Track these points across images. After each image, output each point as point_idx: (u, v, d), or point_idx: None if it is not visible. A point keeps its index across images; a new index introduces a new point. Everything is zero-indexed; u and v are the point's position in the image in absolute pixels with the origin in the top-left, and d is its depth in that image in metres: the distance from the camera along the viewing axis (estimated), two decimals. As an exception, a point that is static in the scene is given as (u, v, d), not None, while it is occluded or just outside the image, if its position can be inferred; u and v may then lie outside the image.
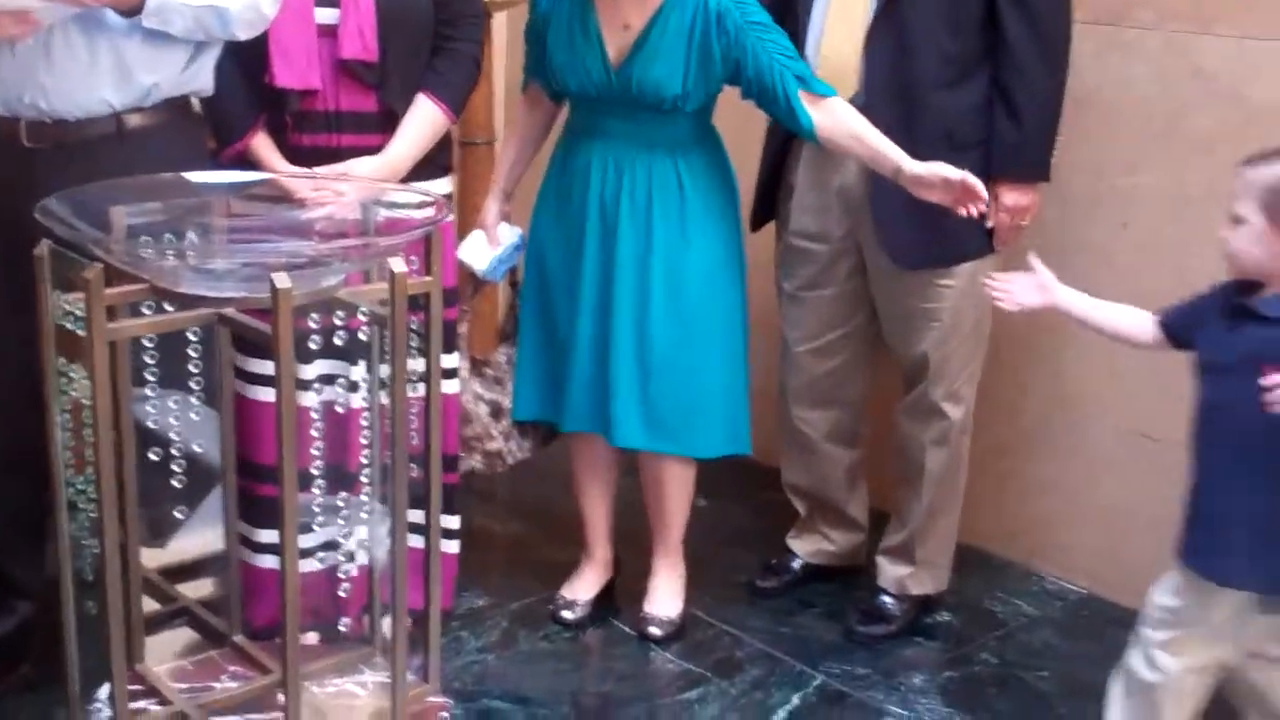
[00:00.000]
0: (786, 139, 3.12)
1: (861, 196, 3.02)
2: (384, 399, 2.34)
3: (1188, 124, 3.15)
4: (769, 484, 3.54)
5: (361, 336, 2.38)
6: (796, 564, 3.43)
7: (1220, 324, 2.41)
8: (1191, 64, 3.13)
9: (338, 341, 2.24)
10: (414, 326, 2.27)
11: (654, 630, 3.14)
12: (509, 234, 3.03)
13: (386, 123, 2.77)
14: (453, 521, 3.03)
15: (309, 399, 2.55)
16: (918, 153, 2.86)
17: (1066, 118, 3.00)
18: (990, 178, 2.95)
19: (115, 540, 2.09)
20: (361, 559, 2.58)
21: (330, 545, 2.89)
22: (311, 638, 2.95)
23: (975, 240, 3.03)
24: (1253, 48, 3.04)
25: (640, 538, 3.31)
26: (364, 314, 2.19)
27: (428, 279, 2.23)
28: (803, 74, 2.81)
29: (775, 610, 3.29)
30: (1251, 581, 2.36)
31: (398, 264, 2.09)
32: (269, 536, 2.82)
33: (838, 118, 2.80)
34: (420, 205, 2.40)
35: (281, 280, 1.96)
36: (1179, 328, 2.52)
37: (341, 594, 2.63)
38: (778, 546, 3.45)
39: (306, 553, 2.89)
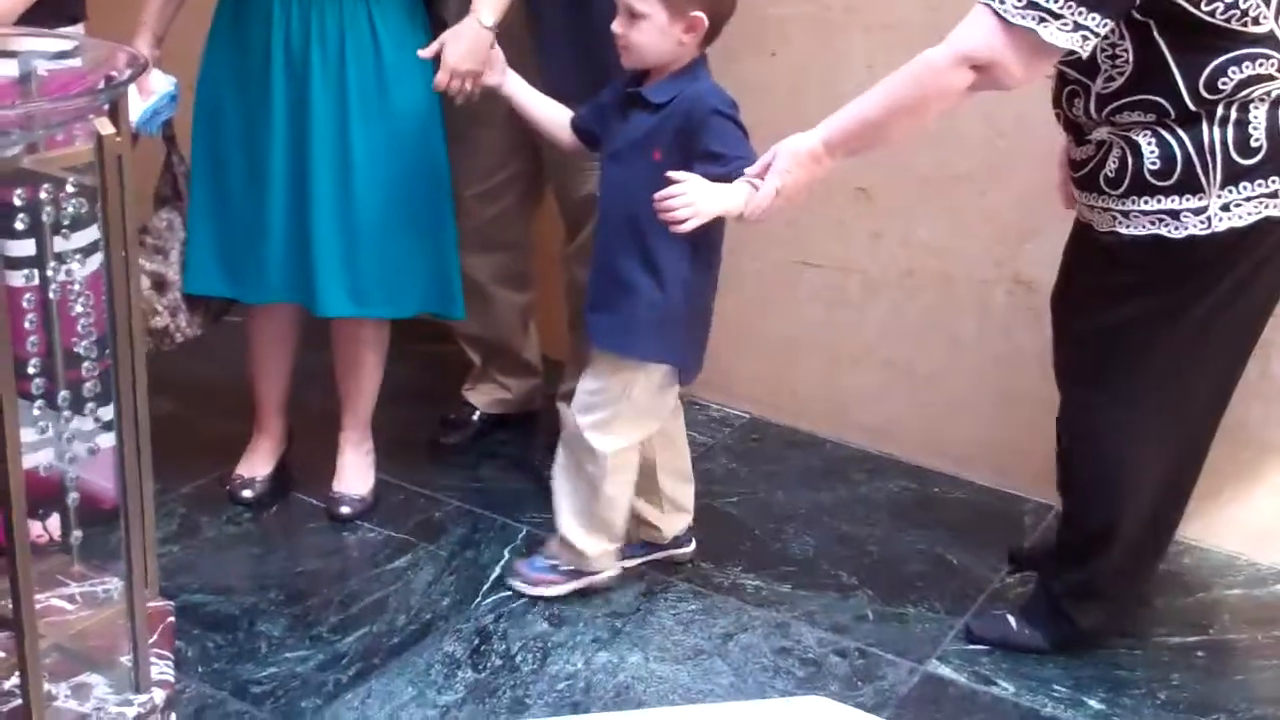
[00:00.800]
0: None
1: (522, 38, 2.90)
2: (66, 276, 2.06)
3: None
4: (431, 337, 3.43)
5: (16, 201, 2.07)
6: (475, 416, 3.36)
7: (616, 114, 2.58)
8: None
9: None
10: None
11: (344, 509, 2.99)
12: (162, 81, 2.72)
13: None
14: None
15: None
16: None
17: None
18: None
19: None
20: (43, 459, 2.30)
21: None
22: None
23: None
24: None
25: (310, 406, 3.15)
26: (69, 184, 1.90)
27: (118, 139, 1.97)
28: None
29: (462, 466, 3.22)
30: (595, 334, 2.63)
31: (104, 125, 1.83)
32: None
33: None
34: (69, 54, 2.12)
35: (-24, 152, 1.68)
36: (585, 130, 2.68)
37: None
38: (452, 401, 3.36)
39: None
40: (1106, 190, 2.37)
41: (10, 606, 1.93)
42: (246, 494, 3.02)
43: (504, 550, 2.91)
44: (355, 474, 3.03)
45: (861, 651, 2.67)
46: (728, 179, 2.43)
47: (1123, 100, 2.31)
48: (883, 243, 3.28)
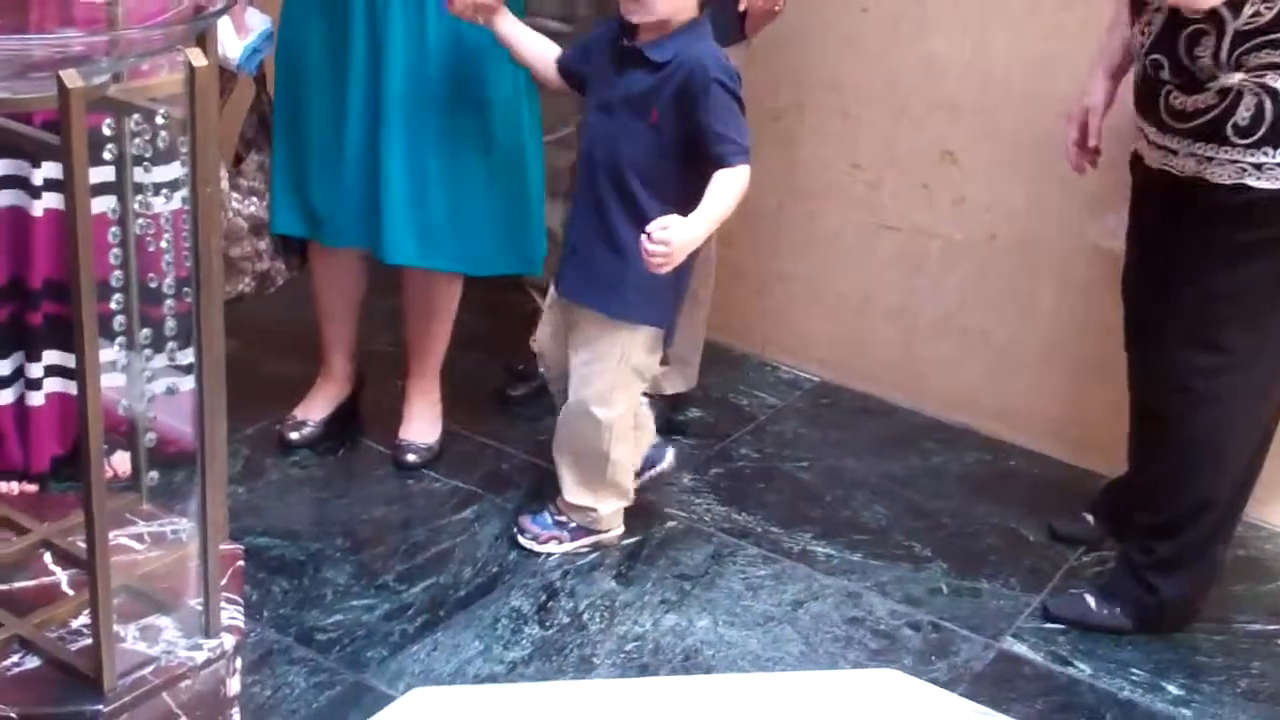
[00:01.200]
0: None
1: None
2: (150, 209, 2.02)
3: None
4: (499, 284, 3.37)
5: (106, 130, 2.02)
6: (542, 369, 3.29)
7: (610, 67, 2.51)
8: None
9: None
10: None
11: (410, 457, 2.95)
12: (258, 19, 2.67)
13: None
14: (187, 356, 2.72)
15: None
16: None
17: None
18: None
19: None
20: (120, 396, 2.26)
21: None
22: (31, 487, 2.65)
23: (727, 26, 2.92)
24: None
25: (383, 352, 3.10)
26: (160, 115, 1.85)
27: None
28: None
29: (529, 418, 3.17)
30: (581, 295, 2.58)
31: (196, 55, 1.77)
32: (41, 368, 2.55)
33: None
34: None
35: (72, 79, 1.62)
36: (572, 72, 2.61)
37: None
38: (520, 350, 3.30)
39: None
40: (1235, 141, 2.26)
41: (82, 545, 1.91)
42: (294, 436, 2.98)
43: (571, 506, 2.87)
44: (422, 423, 2.99)
45: (935, 625, 2.61)
46: (721, 160, 2.40)
47: (1265, 38, 2.19)
48: (965, 208, 3.19)
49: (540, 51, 2.62)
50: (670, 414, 3.22)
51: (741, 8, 2.89)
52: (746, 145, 2.43)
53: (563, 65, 2.60)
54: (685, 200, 2.44)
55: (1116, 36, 2.56)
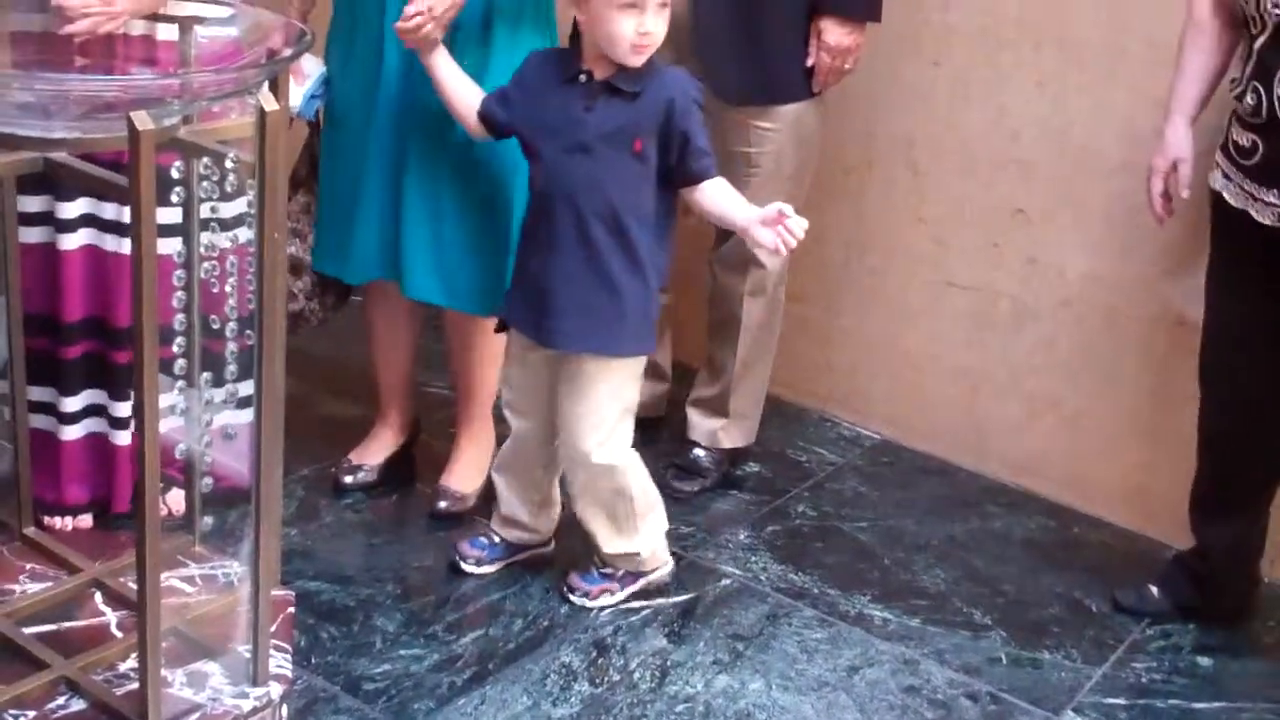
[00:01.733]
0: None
1: (685, 29, 2.81)
2: (225, 246, 2.01)
3: (1005, -37, 3.07)
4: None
5: (174, 174, 2.02)
6: (600, 418, 3.27)
7: (571, 106, 2.43)
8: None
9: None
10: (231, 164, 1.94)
11: (442, 504, 2.90)
12: (313, 64, 2.67)
13: None
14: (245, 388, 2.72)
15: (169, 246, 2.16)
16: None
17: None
18: (816, 12, 2.82)
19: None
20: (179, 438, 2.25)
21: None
22: (85, 520, 2.64)
23: (798, 82, 2.90)
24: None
25: (441, 397, 3.08)
26: (229, 159, 1.84)
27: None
28: None
29: (585, 468, 3.13)
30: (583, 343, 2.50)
31: (268, 100, 1.76)
32: (77, 404, 2.53)
33: None
34: (226, 22, 2.07)
35: (143, 121, 1.62)
36: (495, 120, 2.51)
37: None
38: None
39: (123, 422, 2.56)
40: None
41: (134, 585, 1.89)
42: (348, 479, 2.96)
43: (625, 560, 2.83)
44: (464, 469, 2.94)
45: (994, 696, 2.54)
46: (705, 172, 2.44)
47: None
48: (1037, 268, 3.14)
49: (464, 95, 2.52)
50: (729, 468, 3.18)
51: (809, 63, 2.87)
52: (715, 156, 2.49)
53: (483, 112, 2.50)
54: (662, 221, 2.47)
55: (1191, 84, 2.54)
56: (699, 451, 3.15)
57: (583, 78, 2.43)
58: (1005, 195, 3.15)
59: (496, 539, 2.74)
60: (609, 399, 2.54)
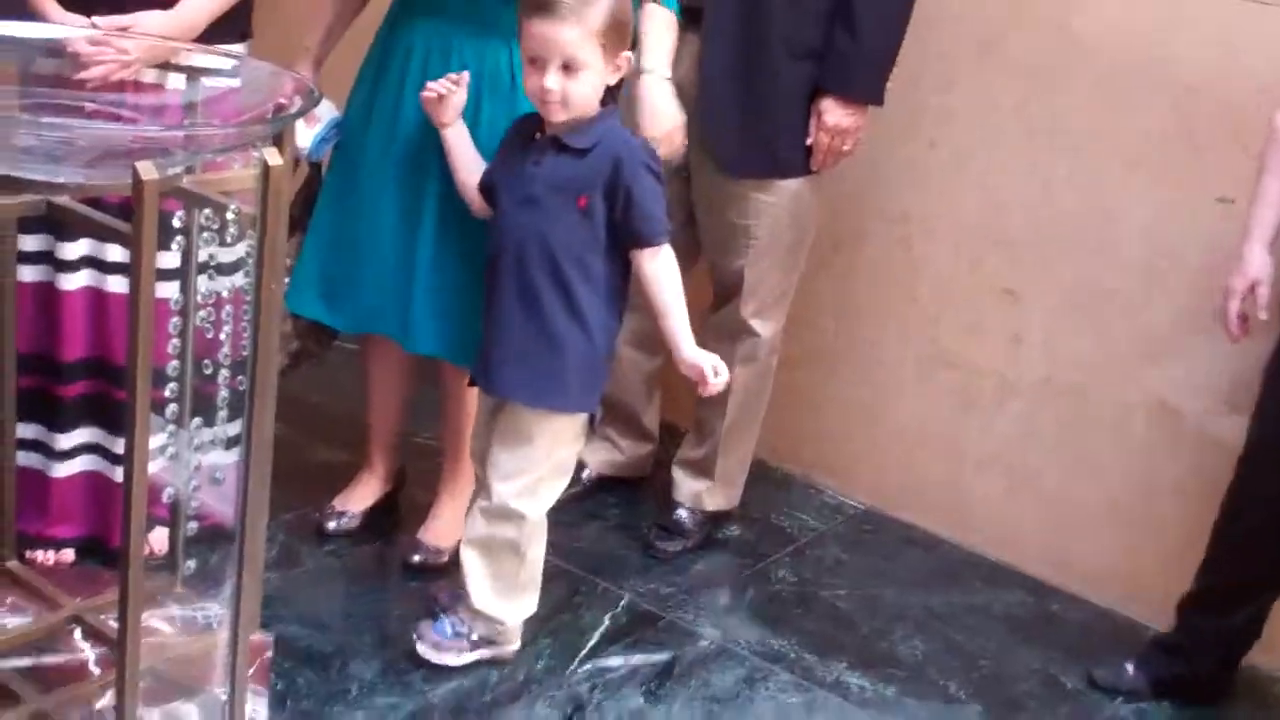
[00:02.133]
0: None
1: (691, 98, 2.85)
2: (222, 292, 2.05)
3: (1004, 45, 3.13)
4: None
5: (175, 223, 2.05)
6: (585, 474, 3.29)
7: (519, 160, 2.46)
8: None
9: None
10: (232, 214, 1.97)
11: (415, 558, 2.89)
12: (326, 108, 2.70)
13: None
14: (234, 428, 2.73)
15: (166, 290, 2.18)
16: (755, 57, 2.77)
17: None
18: (818, 91, 2.86)
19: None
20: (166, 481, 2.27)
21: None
22: (68, 554, 2.65)
23: (798, 158, 2.93)
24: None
25: (429, 448, 3.10)
26: (231, 211, 1.87)
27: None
28: None
29: (566, 523, 3.10)
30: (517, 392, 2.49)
31: (273, 155, 1.79)
32: (71, 441, 2.54)
33: None
34: (229, 73, 2.11)
35: (148, 170, 1.65)
36: (484, 185, 2.54)
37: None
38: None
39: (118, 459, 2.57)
40: None
41: (114, 623, 1.90)
42: (330, 525, 2.96)
43: (604, 617, 2.84)
44: (442, 524, 2.94)
45: (965, 770, 2.56)
46: (650, 238, 2.40)
47: None
48: (1023, 348, 3.18)
49: (471, 169, 2.56)
50: (712, 530, 3.20)
51: (808, 142, 2.91)
52: (668, 225, 2.44)
53: (483, 184, 2.54)
54: (613, 289, 2.46)
55: (1270, 208, 2.58)
56: (682, 512, 3.17)
57: (538, 135, 2.46)
58: (994, 274, 3.19)
59: (468, 630, 2.64)
60: (542, 453, 2.52)
